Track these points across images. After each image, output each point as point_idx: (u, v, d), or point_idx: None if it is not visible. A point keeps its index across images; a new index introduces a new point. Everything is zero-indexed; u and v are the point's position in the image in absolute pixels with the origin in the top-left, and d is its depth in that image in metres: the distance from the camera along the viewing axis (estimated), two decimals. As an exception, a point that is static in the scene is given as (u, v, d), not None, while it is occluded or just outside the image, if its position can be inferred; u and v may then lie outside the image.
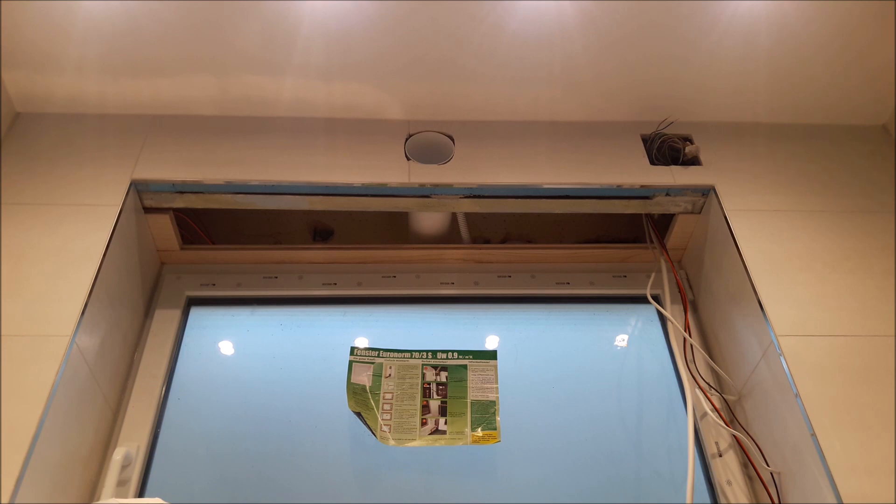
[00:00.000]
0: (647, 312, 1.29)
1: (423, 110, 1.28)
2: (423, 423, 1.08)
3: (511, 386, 1.15)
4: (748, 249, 1.10)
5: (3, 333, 0.93)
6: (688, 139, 1.28)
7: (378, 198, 1.20)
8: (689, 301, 1.26)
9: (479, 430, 1.07)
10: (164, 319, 1.20)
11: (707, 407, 1.10)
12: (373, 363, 1.15)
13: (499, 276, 1.31)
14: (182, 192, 1.17)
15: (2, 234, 1.05)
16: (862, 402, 0.93)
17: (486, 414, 1.09)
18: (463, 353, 1.17)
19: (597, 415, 1.14)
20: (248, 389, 1.14)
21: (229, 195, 1.18)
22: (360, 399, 1.10)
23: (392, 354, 1.17)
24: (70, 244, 1.04)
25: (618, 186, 1.20)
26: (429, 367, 1.15)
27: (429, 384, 1.13)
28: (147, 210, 1.19)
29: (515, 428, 1.11)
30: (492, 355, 1.17)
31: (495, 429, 1.07)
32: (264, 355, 1.19)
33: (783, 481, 0.98)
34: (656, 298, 1.26)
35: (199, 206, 1.20)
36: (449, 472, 1.07)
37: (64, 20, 1.13)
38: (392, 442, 1.06)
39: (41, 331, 0.94)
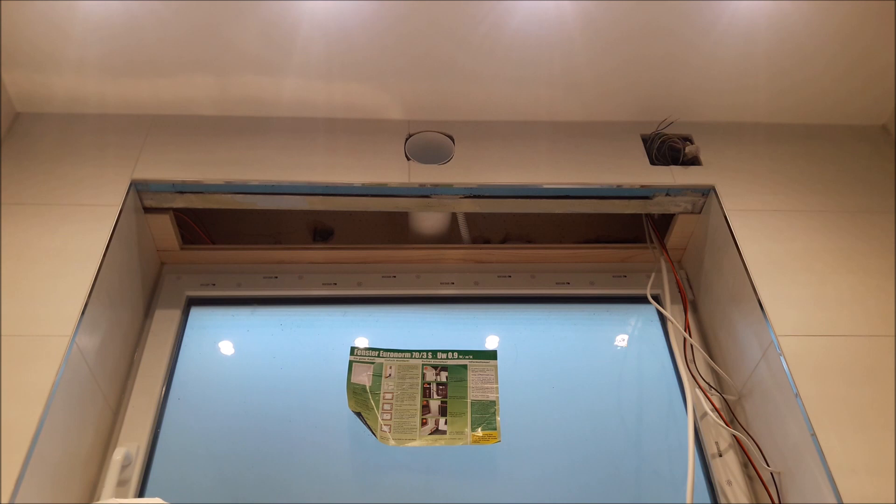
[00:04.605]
0: (647, 312, 1.29)
1: (423, 110, 1.28)
2: (423, 423, 1.08)
3: (511, 386, 1.15)
4: (748, 249, 1.10)
5: (3, 333, 0.93)
6: (688, 139, 1.28)
7: (378, 198, 1.20)
8: (689, 301, 1.26)
9: (479, 429, 1.07)
10: (164, 319, 1.20)
11: (707, 407, 1.10)
12: (373, 363, 1.15)
13: (499, 276, 1.31)
14: (182, 192, 1.17)
15: (2, 234, 1.05)
16: (862, 402, 0.93)
17: (486, 414, 1.09)
18: (463, 353, 1.17)
19: (597, 415, 1.14)
20: (248, 389, 1.14)
21: (229, 195, 1.18)
22: (361, 399, 1.10)
23: (392, 354, 1.17)
24: (70, 244, 1.04)
25: (618, 186, 1.20)
26: (429, 367, 1.15)
27: (429, 384, 1.13)
28: (147, 210, 1.19)
29: (515, 428, 1.11)
30: (492, 355, 1.17)
31: (495, 429, 1.07)
32: (264, 355, 1.19)
33: (783, 481, 0.98)
34: (656, 298, 1.26)
35: (199, 206, 1.20)
36: (449, 472, 1.07)
37: (64, 20, 1.13)
38: (392, 442, 1.06)
39: (41, 331, 0.94)
